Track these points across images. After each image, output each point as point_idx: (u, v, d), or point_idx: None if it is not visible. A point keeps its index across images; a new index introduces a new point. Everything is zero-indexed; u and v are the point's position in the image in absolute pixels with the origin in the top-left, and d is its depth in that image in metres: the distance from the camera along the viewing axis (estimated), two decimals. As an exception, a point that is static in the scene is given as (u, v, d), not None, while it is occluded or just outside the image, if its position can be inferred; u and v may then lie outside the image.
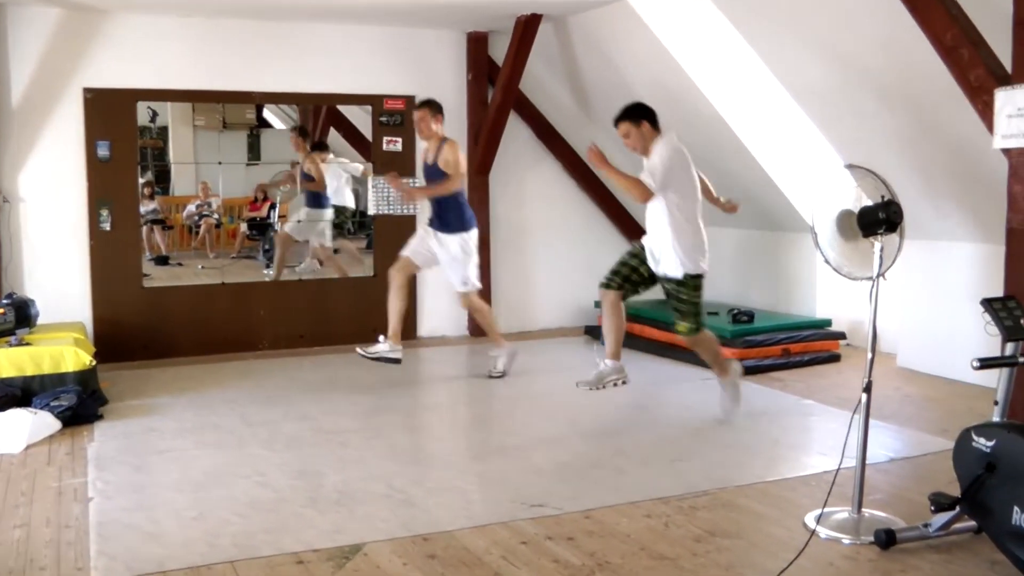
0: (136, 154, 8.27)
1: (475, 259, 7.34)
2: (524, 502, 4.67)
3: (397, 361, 7.24)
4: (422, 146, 8.66)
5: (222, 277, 8.86)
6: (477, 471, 5.34)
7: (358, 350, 7.20)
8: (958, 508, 3.92)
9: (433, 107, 7.23)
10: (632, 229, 9.83)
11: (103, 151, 8.04)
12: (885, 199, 4.19)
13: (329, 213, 9.63)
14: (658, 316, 8.66)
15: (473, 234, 7.28)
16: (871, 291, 4.23)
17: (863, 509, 4.32)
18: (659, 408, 6.72)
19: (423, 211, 7.92)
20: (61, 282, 8.00)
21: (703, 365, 7.73)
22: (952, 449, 4.02)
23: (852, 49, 6.29)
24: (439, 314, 9.27)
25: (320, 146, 9.67)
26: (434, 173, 7.23)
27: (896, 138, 6.72)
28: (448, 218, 7.21)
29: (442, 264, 7.36)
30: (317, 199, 9.58)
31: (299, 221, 9.58)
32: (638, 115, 6.04)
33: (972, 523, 4.06)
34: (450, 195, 7.17)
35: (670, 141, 5.95)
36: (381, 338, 7.22)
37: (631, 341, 8.75)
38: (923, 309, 7.59)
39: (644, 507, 4.60)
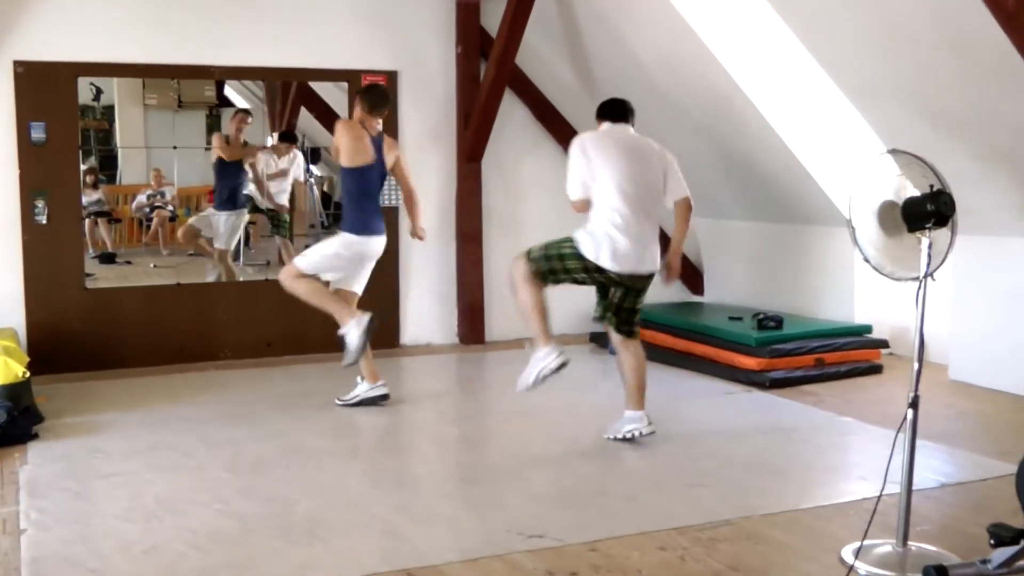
0: (77, 137, 8.27)
1: (326, 257, 7.09)
2: (521, 532, 4.65)
3: (385, 397, 7.12)
4: (406, 129, 8.72)
5: (177, 277, 8.86)
6: (468, 497, 5.33)
7: (337, 401, 7.12)
8: (1023, 542, 3.91)
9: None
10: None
11: (37, 134, 8.01)
12: (934, 189, 4.18)
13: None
14: (673, 321, 8.67)
15: (348, 239, 7.01)
16: (918, 293, 4.21)
17: (909, 542, 4.30)
18: (674, 425, 6.70)
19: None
20: (-11, 283, 8.01)
21: (726, 378, 7.77)
22: (1015, 474, 3.99)
23: (896, 16, 6.28)
24: (423, 320, 9.27)
25: (288, 136, 9.63)
26: (382, 172, 7.07)
27: (947, 119, 6.71)
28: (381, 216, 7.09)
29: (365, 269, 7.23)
30: (234, 197, 9.54)
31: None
32: None
33: (1039, 560, 4.04)
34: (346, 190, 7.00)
35: (580, 137, 6.26)
36: (358, 379, 7.15)
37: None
38: (978, 314, 7.58)
39: (657, 538, 4.59)
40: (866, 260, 4.41)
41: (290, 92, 9.65)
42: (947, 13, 5.90)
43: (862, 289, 8.57)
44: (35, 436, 6.32)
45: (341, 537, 4.64)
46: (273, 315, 8.83)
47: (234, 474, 5.60)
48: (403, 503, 5.13)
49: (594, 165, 6.03)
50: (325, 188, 10.36)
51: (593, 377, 7.93)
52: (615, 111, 6.31)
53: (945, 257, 4.27)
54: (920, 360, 4.23)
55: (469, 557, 4.37)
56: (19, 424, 6.29)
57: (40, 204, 8.05)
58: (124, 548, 4.52)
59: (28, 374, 6.69)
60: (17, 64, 7.91)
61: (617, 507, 5.06)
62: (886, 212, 4.31)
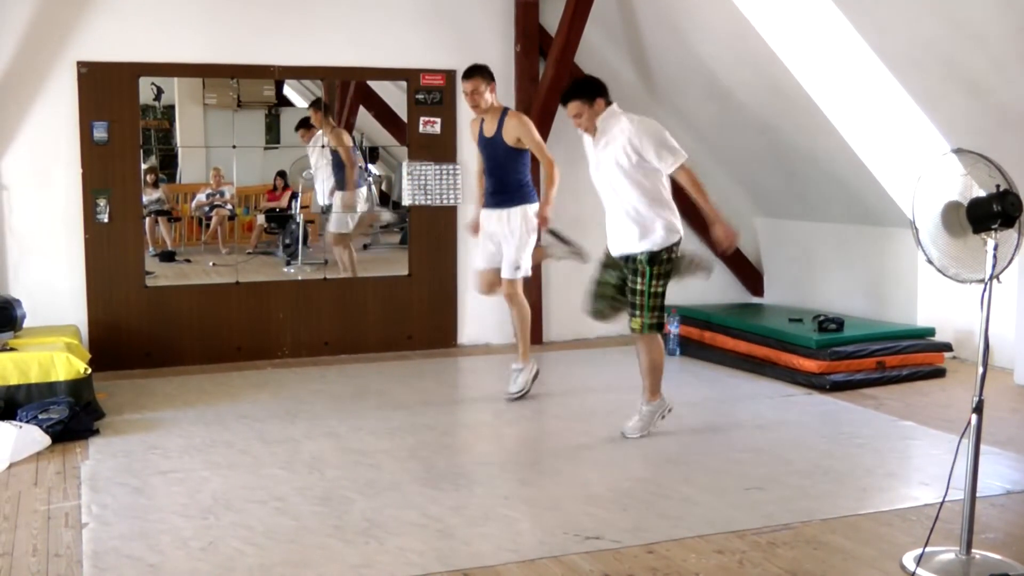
0: (138, 137, 8.35)
1: (533, 239, 7.39)
2: (578, 534, 4.66)
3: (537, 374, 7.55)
4: (465, 127, 8.73)
5: (236, 275, 8.92)
6: (525, 498, 5.33)
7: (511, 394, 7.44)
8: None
9: (485, 74, 7.27)
10: (701, 221, 9.80)
11: (100, 133, 8.12)
12: (1000, 189, 4.13)
13: (364, 192, 9.68)
14: (732, 323, 8.62)
15: (536, 208, 7.39)
16: (983, 296, 4.17)
17: (973, 550, 4.25)
18: (733, 429, 6.68)
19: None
20: (52, 280, 8.11)
21: (786, 380, 7.71)
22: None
23: (963, 11, 6.21)
24: (481, 320, 9.28)
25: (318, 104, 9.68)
26: (499, 147, 7.27)
27: (1015, 117, 6.63)
28: (511, 191, 7.32)
29: (501, 243, 7.39)
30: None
31: (334, 212, 9.64)
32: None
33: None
34: (516, 167, 7.30)
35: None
36: (514, 365, 7.49)
37: (701, 351, 8.73)
38: (1043, 317, 7.47)
39: (715, 542, 4.58)
40: (929, 262, 4.35)
41: (348, 91, 9.68)
42: (1015, 7, 5.83)
43: (925, 291, 8.49)
44: (96, 432, 6.41)
45: (397, 537, 4.65)
46: (331, 314, 8.90)
47: (291, 472, 5.65)
48: (459, 503, 5.14)
49: None
50: (383, 187, 10.38)
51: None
52: None
53: (1012, 259, 4.21)
54: (985, 364, 4.19)
55: (526, 558, 4.38)
56: (81, 420, 6.38)
57: (102, 203, 8.16)
58: (182, 544, 4.58)
59: (89, 371, 6.79)
60: (80, 65, 8.03)
61: (675, 509, 5.04)
62: (951, 213, 4.26)
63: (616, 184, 6.18)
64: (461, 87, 7.35)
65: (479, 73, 7.24)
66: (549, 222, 7.35)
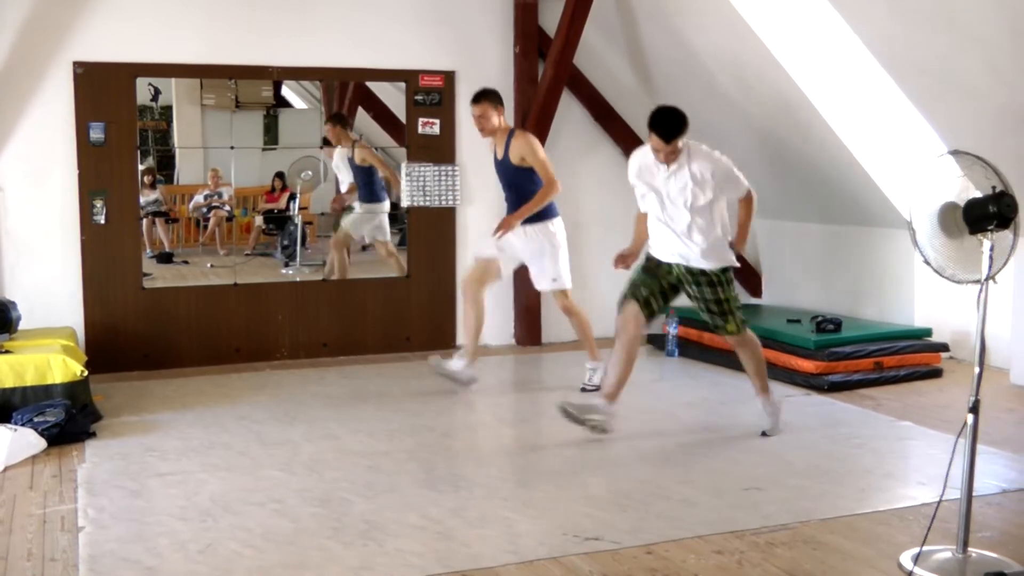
0: (135, 137, 8.34)
1: (565, 251, 7.54)
2: (578, 535, 4.67)
3: (472, 381, 7.65)
4: (464, 128, 8.76)
5: (234, 277, 8.93)
6: (524, 499, 5.33)
7: (430, 360, 7.64)
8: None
9: (493, 99, 7.41)
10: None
11: (96, 134, 8.12)
12: (996, 190, 4.15)
13: (387, 205, 9.67)
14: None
15: (558, 223, 7.49)
16: (979, 296, 4.19)
17: (969, 548, 4.27)
18: (732, 429, 6.68)
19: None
20: (48, 282, 8.10)
21: (784, 381, 7.71)
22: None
23: (960, 13, 6.22)
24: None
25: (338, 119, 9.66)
26: (508, 168, 7.43)
27: (1012, 119, 6.64)
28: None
29: (527, 261, 7.56)
30: (372, 191, 9.65)
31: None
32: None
33: (1102, 567, 4.00)
34: (528, 186, 7.39)
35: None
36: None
37: (700, 353, 8.74)
38: (1041, 317, 7.47)
39: (714, 542, 4.59)
40: (926, 262, 4.37)
41: (347, 92, 9.69)
42: (1014, 8, 5.84)
43: (922, 292, 8.50)
44: (93, 434, 6.41)
45: (396, 539, 4.66)
46: (329, 316, 8.91)
47: (289, 474, 5.65)
48: (458, 505, 5.15)
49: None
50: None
51: (650, 380, 7.93)
52: None
53: (1007, 259, 4.24)
54: (981, 364, 4.21)
55: (525, 560, 4.39)
56: (77, 422, 6.38)
57: (99, 204, 8.15)
58: (180, 547, 4.58)
59: (86, 373, 6.79)
60: (77, 65, 8.02)
61: (674, 510, 5.05)
62: (947, 214, 4.28)
63: (689, 207, 6.18)
64: (470, 110, 7.49)
65: (487, 98, 7.38)
66: (510, 228, 7.35)
